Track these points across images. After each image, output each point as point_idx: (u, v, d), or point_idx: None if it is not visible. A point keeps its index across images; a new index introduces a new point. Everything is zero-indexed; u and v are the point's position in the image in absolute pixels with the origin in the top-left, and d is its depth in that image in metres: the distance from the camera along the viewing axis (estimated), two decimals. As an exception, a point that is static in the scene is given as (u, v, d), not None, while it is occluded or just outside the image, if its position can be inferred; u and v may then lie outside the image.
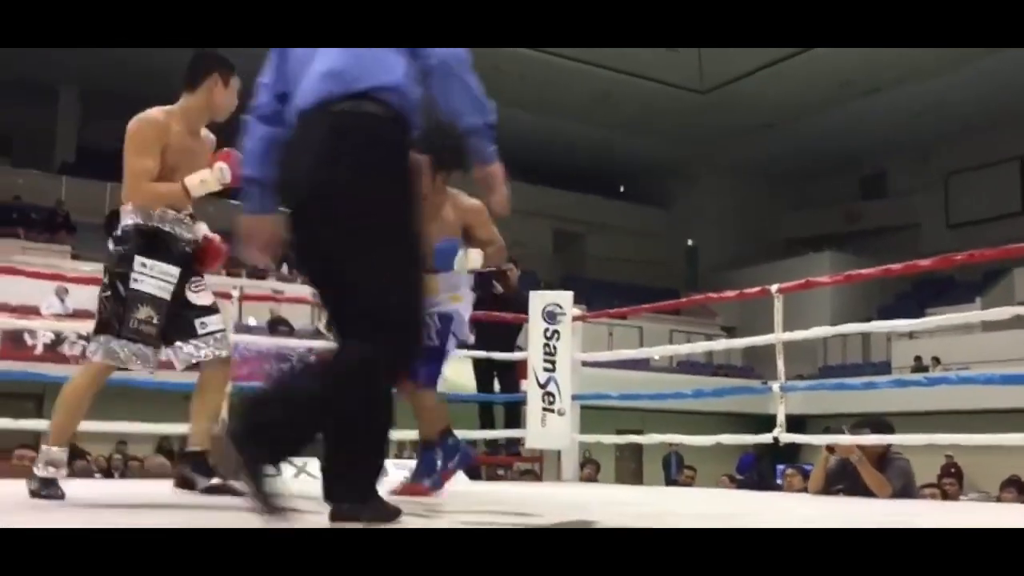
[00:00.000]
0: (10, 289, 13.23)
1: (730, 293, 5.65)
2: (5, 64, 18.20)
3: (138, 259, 3.09)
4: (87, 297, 13.93)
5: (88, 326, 3.32)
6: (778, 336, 4.83)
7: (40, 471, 3.02)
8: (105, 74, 18.85)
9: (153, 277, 3.10)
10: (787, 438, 4.80)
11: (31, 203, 17.32)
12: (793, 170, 23.75)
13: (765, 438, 4.95)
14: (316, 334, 15.02)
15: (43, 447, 3.07)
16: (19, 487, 3.08)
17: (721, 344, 6.96)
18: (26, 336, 11.93)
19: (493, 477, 8.61)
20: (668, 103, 19.89)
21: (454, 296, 3.70)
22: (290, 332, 14.50)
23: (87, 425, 5.26)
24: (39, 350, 12.11)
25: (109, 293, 3.09)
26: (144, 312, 3.08)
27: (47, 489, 2.98)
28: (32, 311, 12.95)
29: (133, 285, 3.07)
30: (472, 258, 3.59)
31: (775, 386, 4.88)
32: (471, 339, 3.98)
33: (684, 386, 13.21)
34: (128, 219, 3.13)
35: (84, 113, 20.12)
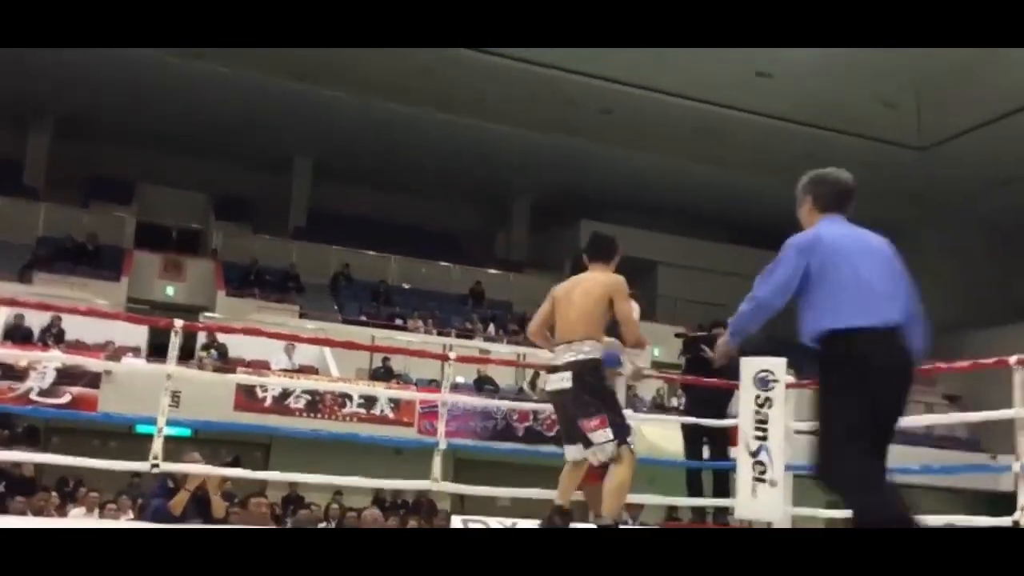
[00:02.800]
0: (246, 346, 14.42)
1: (963, 363, 5.31)
2: (247, 139, 20.05)
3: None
4: (313, 355, 14.96)
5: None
6: (1019, 412, 4.50)
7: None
8: (334, 145, 20.36)
9: None
10: (1031, 522, 4.44)
11: (266, 266, 18.79)
12: (1027, 229, 22.07)
13: (1004, 521, 4.60)
14: (519, 393, 15.42)
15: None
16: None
17: (954, 417, 6.53)
18: (257, 390, 12.82)
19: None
20: (882, 162, 19.09)
21: None
22: (495, 391, 14.89)
23: (309, 477, 5.67)
24: (268, 403, 12.96)
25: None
26: None
27: None
28: (263, 366, 14.00)
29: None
30: (632, 368, 4.61)
31: (1016, 466, 4.54)
32: None
33: (900, 457, 12.34)
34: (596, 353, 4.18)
35: (315, 182, 21.75)
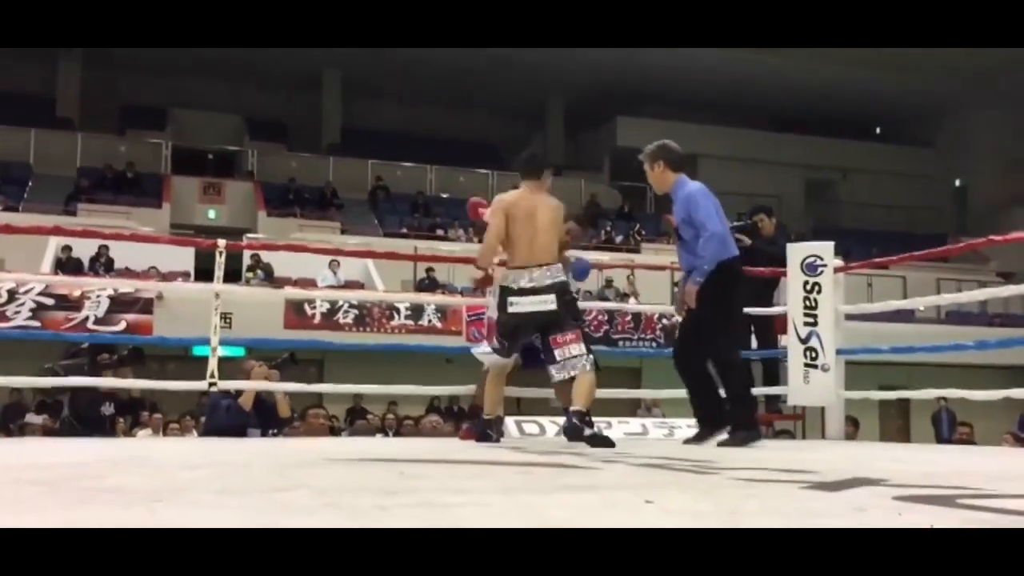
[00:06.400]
0: (291, 266, 14.57)
1: (1018, 234, 5.14)
2: (275, 56, 19.86)
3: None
4: (358, 270, 15.07)
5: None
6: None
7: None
8: (362, 58, 20.09)
9: None
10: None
11: (304, 184, 18.83)
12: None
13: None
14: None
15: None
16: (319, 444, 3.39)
17: (1008, 290, 6.33)
18: (306, 307, 12.98)
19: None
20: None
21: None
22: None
23: (364, 387, 5.76)
24: (317, 320, 13.14)
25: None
26: None
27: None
28: (310, 284, 14.16)
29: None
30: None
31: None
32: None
33: (953, 337, 12.21)
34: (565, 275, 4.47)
35: (346, 97, 21.59)
